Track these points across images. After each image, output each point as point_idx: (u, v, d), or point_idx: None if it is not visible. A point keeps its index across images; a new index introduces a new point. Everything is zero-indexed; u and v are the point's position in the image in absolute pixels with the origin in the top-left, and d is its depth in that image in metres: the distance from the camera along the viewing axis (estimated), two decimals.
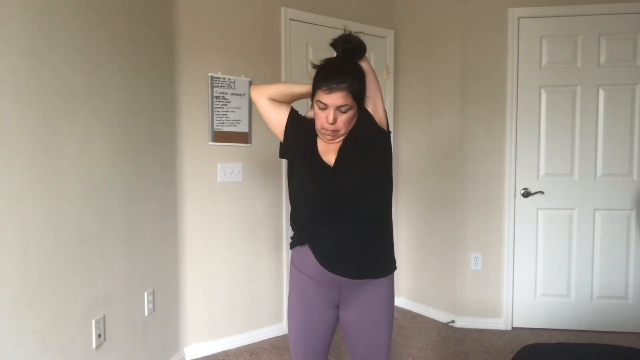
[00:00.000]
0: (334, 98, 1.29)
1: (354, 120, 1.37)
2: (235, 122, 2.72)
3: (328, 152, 1.40)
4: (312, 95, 1.38)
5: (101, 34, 1.88)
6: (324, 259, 1.36)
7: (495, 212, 3.03)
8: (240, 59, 2.74)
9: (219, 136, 2.67)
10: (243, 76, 2.74)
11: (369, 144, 1.38)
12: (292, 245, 1.48)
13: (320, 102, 1.32)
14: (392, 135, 1.48)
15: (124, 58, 2.04)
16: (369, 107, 1.41)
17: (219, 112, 2.65)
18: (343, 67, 1.33)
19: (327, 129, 1.34)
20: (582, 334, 2.93)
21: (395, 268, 1.47)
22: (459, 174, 3.09)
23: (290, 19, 2.91)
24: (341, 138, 1.40)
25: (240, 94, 2.73)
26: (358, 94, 1.33)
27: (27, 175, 1.53)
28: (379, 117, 1.42)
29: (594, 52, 2.88)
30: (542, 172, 2.99)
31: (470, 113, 3.05)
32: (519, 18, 2.93)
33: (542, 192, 2.97)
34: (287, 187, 1.52)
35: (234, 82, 2.70)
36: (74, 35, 1.73)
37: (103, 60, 1.89)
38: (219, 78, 2.65)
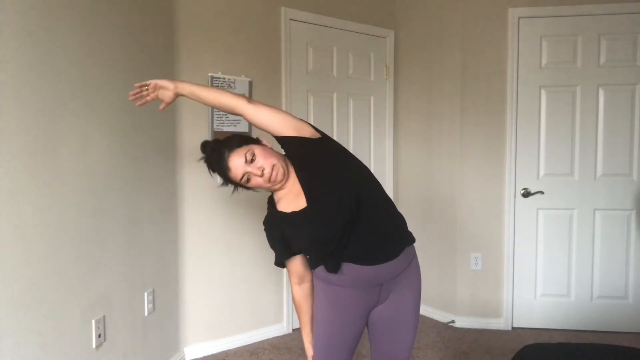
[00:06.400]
0: (235, 167, 1.34)
1: (269, 150, 1.39)
2: (235, 122, 2.72)
3: (296, 202, 1.38)
4: (235, 185, 1.42)
5: (100, 34, 1.88)
6: (365, 259, 1.36)
7: (495, 212, 3.03)
8: (240, 59, 2.74)
9: (219, 136, 2.63)
10: (243, 76, 2.74)
11: (315, 164, 1.38)
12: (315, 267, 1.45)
13: (240, 178, 1.36)
14: (326, 135, 1.46)
15: (124, 58, 2.04)
16: (290, 131, 1.38)
17: (218, 111, 2.65)
18: (218, 149, 1.39)
19: (268, 181, 1.35)
20: (582, 334, 2.93)
21: (414, 239, 1.49)
22: (459, 173, 3.09)
23: (290, 19, 2.91)
24: (284, 181, 1.39)
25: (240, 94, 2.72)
26: (246, 141, 1.39)
27: (27, 175, 1.53)
28: (295, 128, 1.38)
29: (594, 52, 2.88)
30: (542, 172, 2.99)
31: (470, 113, 3.04)
32: (519, 18, 2.93)
33: (542, 192, 2.97)
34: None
35: (234, 82, 2.70)
36: (73, 36, 1.73)
37: (102, 60, 1.89)
38: (219, 78, 2.65)
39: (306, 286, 1.50)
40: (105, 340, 1.91)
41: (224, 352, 2.71)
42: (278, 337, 2.91)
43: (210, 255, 2.70)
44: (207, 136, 2.63)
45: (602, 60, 2.88)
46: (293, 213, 1.37)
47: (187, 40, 2.55)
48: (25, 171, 1.52)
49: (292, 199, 1.40)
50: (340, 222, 1.31)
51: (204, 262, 2.67)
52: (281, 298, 2.96)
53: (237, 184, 1.41)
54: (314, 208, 1.34)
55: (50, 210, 1.62)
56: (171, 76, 2.47)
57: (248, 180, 1.36)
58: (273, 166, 1.34)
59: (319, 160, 1.38)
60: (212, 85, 2.56)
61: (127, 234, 2.07)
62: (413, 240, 1.48)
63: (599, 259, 2.96)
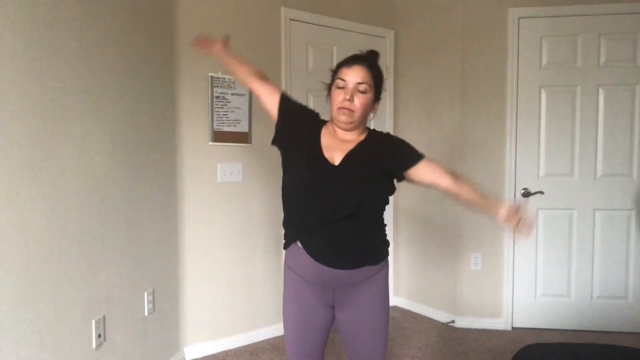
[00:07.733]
0: (354, 72, 1.37)
1: (370, 108, 1.42)
2: (235, 122, 2.72)
3: (333, 150, 1.40)
4: (333, 78, 1.43)
5: (100, 35, 1.88)
6: (318, 255, 1.36)
7: None
8: None
9: (219, 136, 2.67)
10: None
11: (381, 166, 1.39)
12: (286, 246, 1.47)
13: (341, 79, 1.38)
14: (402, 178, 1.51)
15: (124, 58, 2.04)
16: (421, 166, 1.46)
17: (219, 112, 2.65)
18: (369, 56, 1.45)
19: (343, 107, 1.36)
20: (582, 334, 2.93)
21: (387, 254, 1.48)
22: (459, 173, 3.08)
23: (290, 19, 2.91)
24: (356, 138, 1.42)
25: (240, 94, 2.73)
26: (377, 80, 1.40)
27: (27, 175, 1.53)
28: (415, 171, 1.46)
29: (594, 52, 2.88)
30: (542, 172, 2.99)
31: (470, 113, 3.04)
32: (519, 18, 2.93)
33: (542, 192, 2.97)
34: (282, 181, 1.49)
35: (234, 82, 2.69)
36: (73, 36, 1.73)
37: (102, 61, 1.89)
38: (219, 78, 2.64)
39: (259, 80, 1.63)
40: (105, 340, 1.91)
41: (224, 352, 2.71)
42: (278, 337, 2.91)
43: (210, 255, 2.70)
44: (207, 136, 2.63)
45: (602, 60, 2.88)
46: (320, 153, 1.39)
47: (187, 40, 2.54)
48: (25, 172, 1.52)
49: (333, 146, 1.41)
50: (323, 208, 1.33)
51: (204, 262, 2.67)
52: (281, 298, 2.94)
53: (332, 83, 1.43)
54: (328, 177, 1.35)
55: (51, 210, 1.62)
56: (171, 76, 2.48)
57: (339, 88, 1.39)
58: (353, 112, 1.37)
59: (380, 168, 1.40)
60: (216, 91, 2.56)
61: (127, 233, 2.07)
62: (380, 261, 1.44)
63: (599, 259, 2.96)
